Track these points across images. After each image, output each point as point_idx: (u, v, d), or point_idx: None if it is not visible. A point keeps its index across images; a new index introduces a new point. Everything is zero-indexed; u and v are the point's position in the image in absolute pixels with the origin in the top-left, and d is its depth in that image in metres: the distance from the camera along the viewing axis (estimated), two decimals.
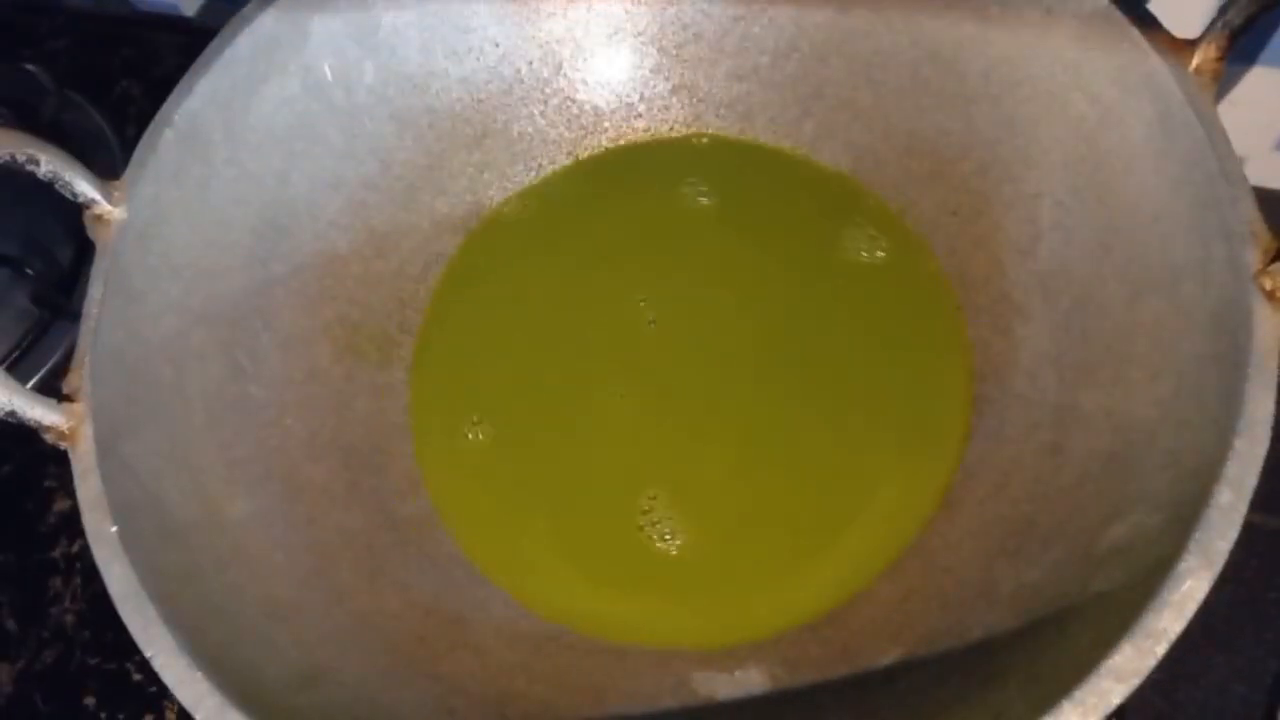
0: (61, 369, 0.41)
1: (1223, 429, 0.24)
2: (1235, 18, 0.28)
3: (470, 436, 0.36)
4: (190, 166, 0.33)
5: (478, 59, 0.39)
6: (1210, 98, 0.28)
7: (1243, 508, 0.23)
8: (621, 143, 0.40)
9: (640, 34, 0.39)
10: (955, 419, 0.33)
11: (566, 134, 0.40)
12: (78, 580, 0.39)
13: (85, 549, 0.27)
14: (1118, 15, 0.30)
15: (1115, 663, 0.22)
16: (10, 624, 0.39)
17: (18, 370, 0.42)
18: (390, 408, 0.37)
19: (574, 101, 0.40)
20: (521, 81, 0.39)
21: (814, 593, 0.32)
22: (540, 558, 0.34)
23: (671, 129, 0.40)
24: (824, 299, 0.37)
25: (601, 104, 0.40)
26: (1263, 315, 0.25)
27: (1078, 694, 0.22)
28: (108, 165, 0.31)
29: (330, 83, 0.36)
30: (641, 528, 0.34)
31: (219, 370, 0.33)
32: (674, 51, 0.40)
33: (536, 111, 0.40)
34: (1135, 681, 0.22)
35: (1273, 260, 0.25)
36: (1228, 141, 0.27)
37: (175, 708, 0.36)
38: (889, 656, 0.29)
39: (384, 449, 0.36)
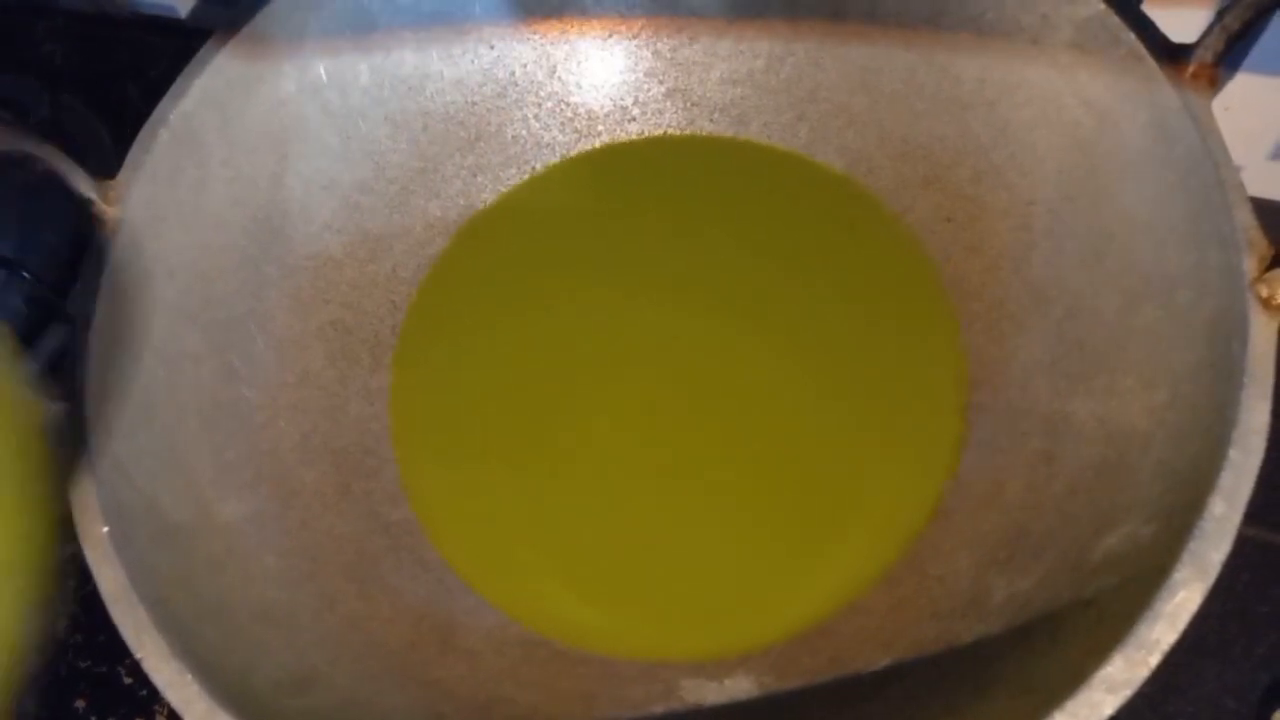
0: (55, 370, 0.41)
1: (1217, 439, 0.24)
2: (1233, 22, 0.28)
3: (457, 446, 0.36)
4: (185, 168, 0.33)
5: (472, 61, 0.38)
6: (1207, 103, 0.28)
7: (1237, 518, 0.23)
8: (616, 146, 0.40)
9: (635, 37, 0.39)
10: (948, 427, 0.33)
11: (560, 137, 0.40)
12: (70, 584, 0.39)
13: (77, 553, 0.27)
14: (1114, 21, 0.30)
15: (1107, 673, 0.22)
16: None
17: None
18: (383, 412, 0.36)
19: (568, 104, 0.40)
20: (516, 84, 0.39)
21: (805, 603, 0.32)
22: (527, 569, 0.34)
23: (665, 133, 0.40)
24: (818, 305, 0.37)
25: (595, 107, 0.40)
26: (1258, 323, 0.25)
27: (1070, 705, 0.22)
28: (104, 167, 0.31)
29: (325, 84, 0.36)
30: (632, 537, 0.34)
31: (212, 372, 0.33)
32: (668, 55, 0.39)
33: (530, 114, 0.40)
34: (1127, 693, 0.22)
35: (1269, 268, 0.25)
36: (1224, 147, 0.27)
37: (166, 712, 0.36)
38: (879, 665, 0.29)
39: (376, 453, 0.36)
